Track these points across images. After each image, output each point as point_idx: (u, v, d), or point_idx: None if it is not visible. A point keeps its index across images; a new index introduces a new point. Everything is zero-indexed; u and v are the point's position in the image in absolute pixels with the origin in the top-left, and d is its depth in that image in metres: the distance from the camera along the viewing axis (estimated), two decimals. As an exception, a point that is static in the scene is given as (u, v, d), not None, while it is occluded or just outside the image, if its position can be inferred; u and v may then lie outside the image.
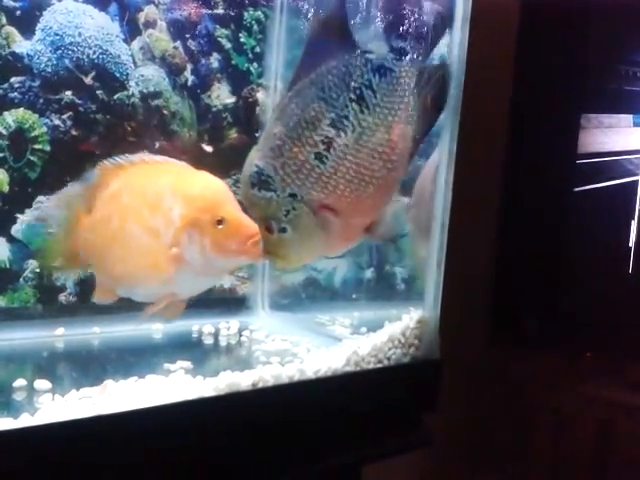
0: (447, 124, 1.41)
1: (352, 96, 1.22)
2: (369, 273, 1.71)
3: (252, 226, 1.22)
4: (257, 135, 1.68)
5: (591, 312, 2.20)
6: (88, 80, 1.48)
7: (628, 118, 2.30)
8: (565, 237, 2.25)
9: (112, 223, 1.25)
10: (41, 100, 1.46)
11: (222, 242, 1.20)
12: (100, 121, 1.52)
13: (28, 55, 1.44)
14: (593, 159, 2.28)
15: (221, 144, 1.70)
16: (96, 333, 1.50)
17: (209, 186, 1.25)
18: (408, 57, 1.26)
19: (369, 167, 1.23)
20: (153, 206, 1.22)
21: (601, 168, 2.28)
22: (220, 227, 1.20)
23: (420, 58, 1.28)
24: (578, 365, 2.20)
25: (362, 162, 1.23)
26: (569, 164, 2.27)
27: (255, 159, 1.23)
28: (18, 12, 1.42)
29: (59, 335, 1.45)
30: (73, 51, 1.48)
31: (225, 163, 1.65)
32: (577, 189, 2.27)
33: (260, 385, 1.21)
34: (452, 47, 1.39)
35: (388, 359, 1.40)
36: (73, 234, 1.29)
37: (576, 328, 2.20)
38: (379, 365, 1.38)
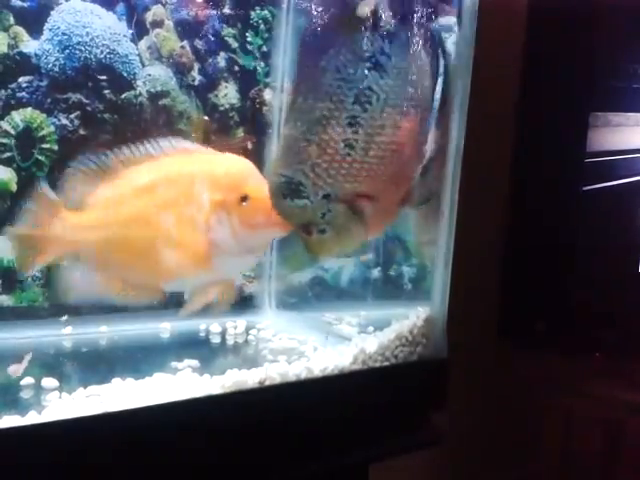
0: (454, 121, 1.40)
1: (369, 64, 1.19)
2: (376, 272, 1.71)
3: None
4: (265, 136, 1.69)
5: (600, 312, 2.19)
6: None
7: (637, 116, 2.29)
8: (573, 236, 2.24)
9: (143, 220, 1.23)
10: (49, 99, 1.46)
11: (249, 218, 1.20)
12: (108, 120, 1.53)
13: (36, 55, 1.45)
14: (602, 158, 2.27)
15: (229, 143, 1.70)
16: (104, 332, 1.50)
17: (231, 166, 1.25)
18: (413, 22, 1.26)
19: (398, 134, 1.21)
20: (186, 195, 1.22)
21: (610, 167, 2.27)
22: (244, 204, 1.20)
23: (424, 23, 1.28)
24: (587, 365, 2.18)
25: (391, 131, 1.20)
26: (577, 163, 2.26)
27: (279, 169, 1.20)
28: (26, 12, 1.43)
29: (67, 334, 1.46)
30: (81, 51, 1.49)
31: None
32: (586, 188, 2.25)
33: (267, 383, 1.21)
34: (459, 44, 1.39)
35: (395, 357, 1.40)
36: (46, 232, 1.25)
37: (585, 328, 2.18)
38: (386, 363, 1.38)
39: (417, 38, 1.26)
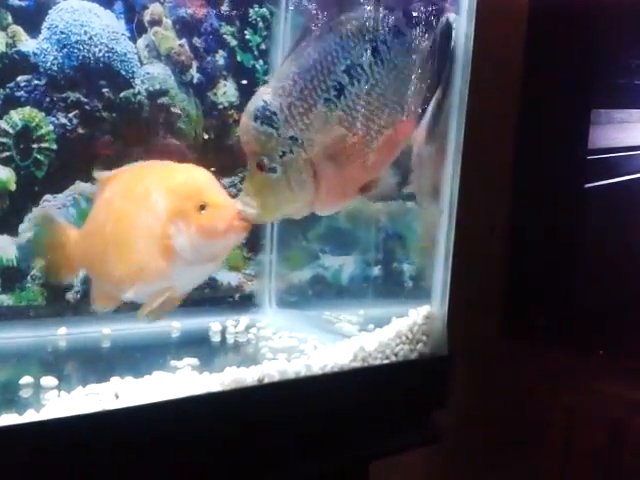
0: (454, 117, 1.40)
1: (368, 47, 1.24)
2: (376, 270, 1.70)
3: (233, 205, 1.22)
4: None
5: (603, 309, 2.18)
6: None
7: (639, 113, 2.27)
8: (576, 233, 2.23)
9: (107, 229, 1.26)
10: (47, 98, 1.46)
11: (207, 226, 1.20)
12: (106, 119, 1.53)
13: (34, 54, 1.45)
14: (604, 155, 2.26)
15: (227, 141, 1.70)
16: (103, 331, 1.50)
17: (189, 175, 1.25)
18: (419, 26, 1.30)
19: (376, 122, 1.24)
20: (142, 205, 1.23)
21: (612, 164, 2.26)
22: (203, 212, 1.20)
23: (429, 27, 1.32)
24: (592, 362, 2.17)
25: (370, 115, 1.24)
26: (580, 160, 2.25)
27: (263, 94, 1.23)
28: (24, 11, 1.43)
29: (66, 333, 1.46)
30: (79, 49, 1.48)
31: (231, 161, 1.65)
32: (588, 185, 2.24)
33: (266, 381, 1.20)
34: (458, 41, 1.38)
35: (395, 355, 1.40)
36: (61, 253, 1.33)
37: (588, 325, 2.17)
38: (386, 361, 1.38)
39: (423, 42, 1.30)
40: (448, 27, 1.37)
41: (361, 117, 1.24)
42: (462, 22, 1.39)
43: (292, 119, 1.21)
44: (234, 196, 1.27)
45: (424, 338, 1.43)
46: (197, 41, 1.65)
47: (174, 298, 1.26)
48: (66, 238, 1.33)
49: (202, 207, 1.20)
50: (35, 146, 1.45)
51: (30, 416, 0.99)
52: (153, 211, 1.21)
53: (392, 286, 1.68)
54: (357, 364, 1.33)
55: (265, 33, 1.72)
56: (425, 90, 1.32)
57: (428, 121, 1.41)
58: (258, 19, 1.71)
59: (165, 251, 1.20)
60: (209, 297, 1.68)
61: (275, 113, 1.21)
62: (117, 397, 1.08)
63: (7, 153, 1.43)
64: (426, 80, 1.32)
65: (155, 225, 1.21)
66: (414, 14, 1.30)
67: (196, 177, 1.25)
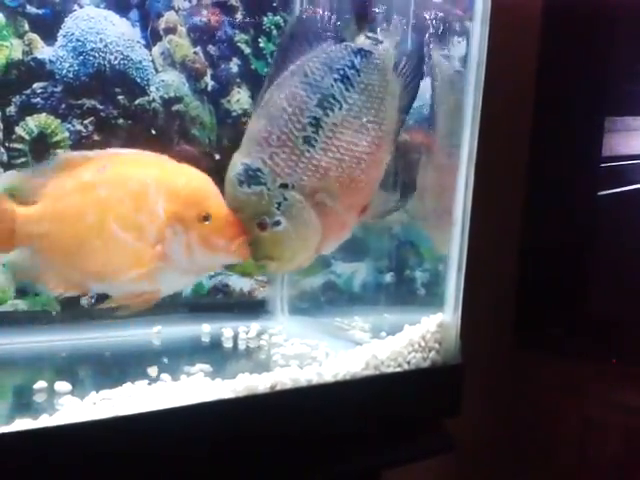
0: (467, 126, 1.40)
1: (336, 76, 1.25)
2: (388, 277, 1.70)
3: (239, 225, 1.19)
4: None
5: (617, 317, 2.16)
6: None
7: (654, 121, 2.26)
8: (589, 241, 2.22)
9: (86, 215, 1.17)
10: (63, 105, 1.47)
11: (208, 239, 1.17)
12: (121, 126, 1.54)
13: (50, 61, 1.46)
14: (618, 162, 2.25)
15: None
16: (115, 336, 1.50)
17: (194, 180, 1.21)
18: (384, 43, 1.32)
19: (358, 144, 1.25)
20: (136, 199, 1.17)
21: (626, 171, 2.24)
22: (206, 223, 1.17)
23: (397, 42, 1.33)
24: (604, 371, 2.16)
25: (351, 139, 1.25)
26: (593, 167, 2.23)
27: (239, 159, 1.22)
28: (40, 19, 1.45)
29: (80, 338, 1.47)
30: (94, 57, 1.50)
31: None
32: (601, 193, 2.23)
33: (278, 388, 1.20)
34: (472, 48, 1.38)
35: (408, 363, 1.39)
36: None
37: (602, 333, 2.16)
38: (398, 369, 1.37)
39: (387, 60, 1.31)
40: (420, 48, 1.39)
41: (344, 143, 1.24)
42: (476, 28, 1.39)
43: (277, 167, 1.21)
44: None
45: (437, 346, 1.43)
46: (211, 49, 1.66)
47: (152, 298, 1.22)
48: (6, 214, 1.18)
49: (205, 218, 1.17)
50: (51, 152, 1.46)
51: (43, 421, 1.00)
52: (150, 209, 1.16)
53: (404, 294, 1.67)
54: (369, 372, 1.33)
55: (279, 41, 1.72)
56: (401, 104, 1.32)
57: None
58: (272, 27, 1.72)
59: (157, 254, 1.16)
60: (221, 303, 1.69)
61: (259, 169, 1.20)
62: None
63: (23, 159, 1.44)
64: (400, 94, 1.32)
65: (149, 224, 1.16)
66: (375, 35, 1.34)
67: (201, 183, 1.21)
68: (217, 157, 1.65)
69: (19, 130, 1.43)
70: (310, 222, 1.23)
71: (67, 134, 1.48)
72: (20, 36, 1.43)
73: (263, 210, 1.21)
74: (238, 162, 1.22)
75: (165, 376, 1.23)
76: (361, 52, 1.28)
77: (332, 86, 1.24)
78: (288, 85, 1.24)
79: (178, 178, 1.20)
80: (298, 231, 1.23)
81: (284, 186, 1.21)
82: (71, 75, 1.48)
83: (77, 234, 1.18)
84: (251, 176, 1.20)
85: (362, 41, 1.33)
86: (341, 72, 1.25)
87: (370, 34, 1.35)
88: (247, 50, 1.70)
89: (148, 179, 1.18)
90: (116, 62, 1.52)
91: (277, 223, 1.22)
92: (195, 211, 1.17)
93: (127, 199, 1.17)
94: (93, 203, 1.17)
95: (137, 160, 1.22)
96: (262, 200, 1.20)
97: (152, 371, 1.27)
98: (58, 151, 1.41)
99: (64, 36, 1.47)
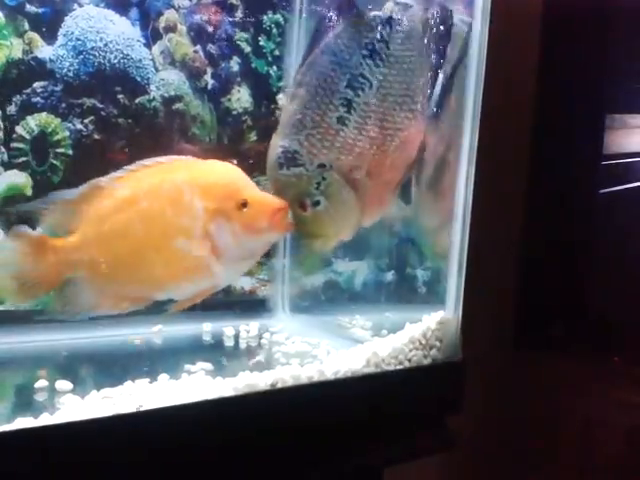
0: (467, 122, 1.40)
1: (364, 52, 1.25)
2: (389, 275, 1.70)
3: (275, 200, 1.23)
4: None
5: (618, 316, 2.16)
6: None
7: (654, 118, 2.26)
8: (590, 240, 2.22)
9: (132, 231, 1.22)
10: (63, 104, 1.47)
11: (251, 223, 1.20)
12: (122, 125, 1.54)
13: (50, 60, 1.46)
14: (618, 160, 2.25)
15: (241, 147, 1.70)
16: (116, 335, 1.50)
17: (223, 173, 1.25)
18: (414, 7, 1.30)
19: (392, 120, 1.26)
20: (175, 205, 1.21)
21: (626, 169, 2.24)
22: (245, 210, 1.20)
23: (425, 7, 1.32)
24: (605, 370, 2.16)
25: (384, 116, 1.26)
26: (594, 165, 2.24)
27: (277, 142, 1.25)
28: (40, 18, 1.45)
29: (81, 337, 1.47)
30: (95, 56, 1.50)
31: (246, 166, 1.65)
32: (602, 191, 2.23)
33: (279, 386, 1.20)
34: (472, 45, 1.38)
35: (409, 361, 1.39)
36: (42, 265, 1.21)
37: (603, 332, 2.16)
38: (399, 367, 1.37)
39: (423, 28, 1.30)
40: (446, 11, 1.37)
41: (377, 120, 1.25)
42: (477, 25, 1.39)
43: (313, 148, 1.23)
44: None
45: (437, 344, 1.43)
46: (211, 47, 1.66)
47: (213, 290, 1.27)
48: (47, 249, 1.21)
49: (244, 205, 1.20)
50: (51, 151, 1.46)
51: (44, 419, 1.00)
52: (190, 211, 1.20)
53: (405, 291, 1.67)
54: (370, 370, 1.33)
55: (279, 39, 1.72)
56: (431, 76, 1.33)
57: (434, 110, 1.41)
58: (272, 25, 1.72)
59: (211, 250, 1.20)
60: (223, 301, 1.69)
61: (296, 151, 1.23)
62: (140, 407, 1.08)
63: (24, 158, 1.44)
64: (431, 65, 1.33)
65: (194, 225, 1.20)
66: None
67: (230, 174, 1.25)
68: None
69: (20, 129, 1.44)
70: (349, 200, 1.25)
71: (67, 133, 1.48)
72: (20, 35, 1.43)
73: (303, 191, 1.24)
74: (277, 145, 1.25)
75: (166, 375, 1.23)
76: (389, 21, 1.27)
77: (361, 64, 1.24)
78: (318, 65, 1.25)
79: (208, 175, 1.24)
80: (337, 209, 1.25)
81: (322, 166, 1.24)
82: (71, 74, 1.48)
83: (128, 251, 1.23)
84: (289, 158, 1.23)
85: (390, 7, 1.30)
86: (370, 47, 1.25)
87: None
88: (247, 49, 1.70)
89: (180, 183, 1.22)
90: (116, 61, 1.52)
91: (317, 203, 1.24)
92: (233, 202, 1.21)
93: (167, 207, 1.21)
94: (137, 218, 1.22)
95: (163, 167, 1.25)
96: (301, 181, 1.24)
97: (153, 369, 1.27)
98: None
99: (64, 35, 1.47)
